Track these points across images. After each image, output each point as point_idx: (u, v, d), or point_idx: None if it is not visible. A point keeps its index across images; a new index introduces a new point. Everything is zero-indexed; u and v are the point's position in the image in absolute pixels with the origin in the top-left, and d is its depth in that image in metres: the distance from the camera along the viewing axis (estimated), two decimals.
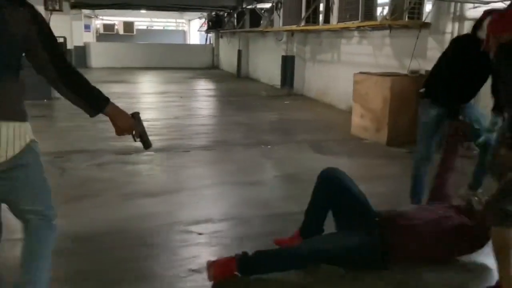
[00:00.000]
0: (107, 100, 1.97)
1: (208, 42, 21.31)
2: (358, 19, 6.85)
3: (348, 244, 2.66)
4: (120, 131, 2.03)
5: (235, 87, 13.18)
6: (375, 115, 6.05)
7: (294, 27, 9.31)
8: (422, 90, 3.57)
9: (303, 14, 8.92)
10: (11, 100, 1.81)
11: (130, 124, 2.04)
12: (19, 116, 1.83)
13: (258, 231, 3.32)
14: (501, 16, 2.65)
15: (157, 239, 3.13)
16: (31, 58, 1.87)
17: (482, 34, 3.04)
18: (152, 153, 5.21)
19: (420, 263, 2.76)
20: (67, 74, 1.89)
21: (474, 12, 5.34)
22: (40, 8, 9.26)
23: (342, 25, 7.50)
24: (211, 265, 2.55)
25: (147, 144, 2.12)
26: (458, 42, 3.56)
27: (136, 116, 2.07)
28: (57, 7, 9.37)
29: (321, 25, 8.86)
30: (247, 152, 5.50)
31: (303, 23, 9.00)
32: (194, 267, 2.74)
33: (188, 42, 27.53)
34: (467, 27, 5.46)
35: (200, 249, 3.02)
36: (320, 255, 2.63)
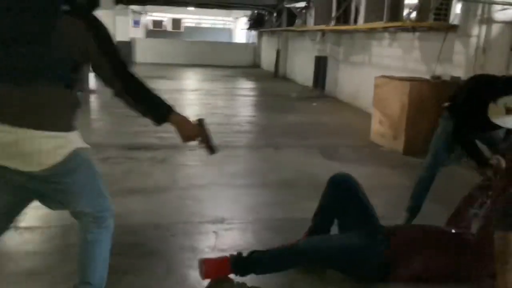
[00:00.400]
0: (171, 109, 2.00)
1: (251, 41, 21.34)
2: (383, 20, 6.55)
3: (348, 245, 2.51)
4: (185, 139, 2.06)
5: (269, 87, 13.07)
6: (393, 121, 5.77)
7: (323, 26, 9.09)
8: (446, 104, 3.32)
9: (334, 13, 8.68)
10: (55, 111, 1.82)
11: (195, 132, 2.06)
12: (63, 126, 1.84)
13: (232, 236, 3.22)
14: None
15: (127, 238, 3.09)
16: (95, 71, 1.90)
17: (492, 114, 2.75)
18: (158, 150, 5.24)
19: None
20: (132, 87, 1.92)
21: (503, 14, 4.95)
22: None
23: (368, 25, 7.22)
24: (203, 263, 2.48)
25: (212, 150, 2.12)
26: (477, 83, 3.19)
27: (201, 122, 2.08)
28: None
29: (347, 25, 8.59)
30: (253, 154, 5.39)
31: (333, 23, 8.77)
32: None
33: (234, 41, 27.70)
34: (495, 31, 5.09)
35: (166, 250, 2.95)
36: (317, 253, 2.50)
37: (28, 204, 2.08)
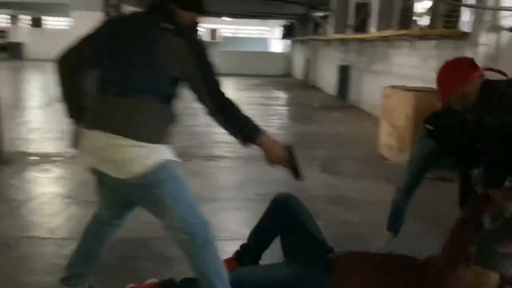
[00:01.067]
0: (260, 132, 2.01)
1: (286, 51, 21.26)
2: (395, 28, 6.29)
3: (282, 279, 2.32)
4: (270, 162, 2.06)
5: (295, 96, 12.91)
6: (400, 133, 5.49)
7: (340, 35, 8.89)
8: (429, 127, 2.95)
9: (352, 22, 8.47)
10: (146, 123, 1.89)
11: (282, 157, 2.04)
12: (151, 138, 1.90)
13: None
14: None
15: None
16: (189, 88, 1.97)
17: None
18: None
19: None
20: (224, 107, 1.96)
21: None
22: (97, 14, 9.83)
23: (378, 34, 6.97)
24: None
25: (297, 176, 2.10)
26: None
27: (289, 148, 2.07)
28: (115, 13, 9.80)
29: (360, 34, 8.34)
30: (249, 165, 5.24)
31: (350, 32, 8.55)
32: None
33: (270, 50, 27.67)
34: (506, 38, 4.74)
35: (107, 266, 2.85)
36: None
37: (129, 208, 2.20)
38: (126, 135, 1.86)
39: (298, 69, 18.35)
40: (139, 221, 3.52)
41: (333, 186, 4.63)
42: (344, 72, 10.69)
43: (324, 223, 3.64)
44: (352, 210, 4.01)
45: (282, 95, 13.37)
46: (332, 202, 4.16)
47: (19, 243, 3.15)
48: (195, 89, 1.95)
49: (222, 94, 1.96)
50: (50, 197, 4.08)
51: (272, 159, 2.04)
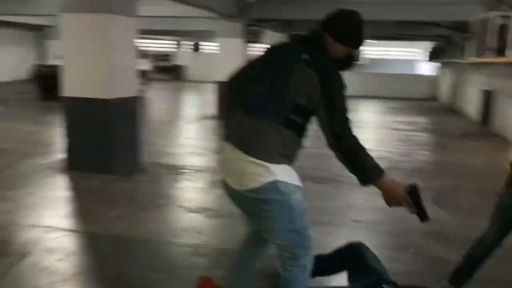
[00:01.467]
0: (380, 174, 1.98)
1: (436, 73, 20.17)
2: None
3: None
4: (389, 204, 2.04)
5: (434, 121, 12.19)
6: None
7: (483, 59, 8.23)
8: None
9: (493, 44, 7.81)
10: (266, 143, 2.01)
11: (401, 200, 1.98)
12: (268, 158, 2.01)
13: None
14: None
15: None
16: (317, 120, 2.05)
17: None
18: None
19: None
20: (344, 141, 1.97)
21: None
22: (237, 41, 10.62)
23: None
24: (202, 280, 2.67)
25: (422, 218, 2.02)
26: None
27: (412, 189, 1.98)
28: (254, 39, 10.49)
29: (499, 58, 7.59)
30: (352, 192, 5.12)
31: (492, 55, 7.88)
32: None
33: (416, 72, 26.45)
34: None
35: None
36: None
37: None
38: (248, 152, 2.01)
39: (443, 93, 17.28)
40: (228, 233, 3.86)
41: (439, 220, 4.34)
42: (487, 98, 9.83)
43: (413, 256, 3.56)
44: (450, 248, 3.74)
45: (420, 119, 12.71)
46: (431, 236, 3.94)
47: (129, 243, 3.64)
48: (320, 120, 2.00)
49: (346, 131, 1.96)
50: (166, 205, 4.62)
51: (390, 202, 1.99)
